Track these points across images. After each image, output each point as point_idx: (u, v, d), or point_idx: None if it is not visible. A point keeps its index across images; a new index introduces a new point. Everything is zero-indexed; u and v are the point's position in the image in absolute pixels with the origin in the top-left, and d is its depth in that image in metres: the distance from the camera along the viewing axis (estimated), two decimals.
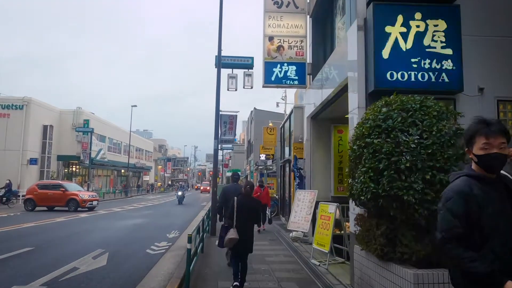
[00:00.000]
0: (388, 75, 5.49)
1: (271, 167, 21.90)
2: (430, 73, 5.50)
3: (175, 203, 28.84)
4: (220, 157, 55.73)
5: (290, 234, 10.51)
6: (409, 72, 5.50)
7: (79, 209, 18.87)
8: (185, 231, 12.08)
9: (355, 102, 5.98)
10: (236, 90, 12.99)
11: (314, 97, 9.95)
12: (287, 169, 14.05)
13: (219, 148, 12.24)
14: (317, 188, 10.04)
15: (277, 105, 20.24)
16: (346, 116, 10.60)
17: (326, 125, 10.35)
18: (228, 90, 12.97)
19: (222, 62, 12.51)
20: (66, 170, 36.86)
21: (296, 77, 10.71)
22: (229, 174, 55.36)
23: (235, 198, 5.55)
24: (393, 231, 3.97)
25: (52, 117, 33.18)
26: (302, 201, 9.89)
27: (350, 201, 5.25)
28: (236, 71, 12.93)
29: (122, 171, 48.72)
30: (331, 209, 7.26)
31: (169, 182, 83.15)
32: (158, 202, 30.08)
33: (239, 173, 48.89)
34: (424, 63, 5.51)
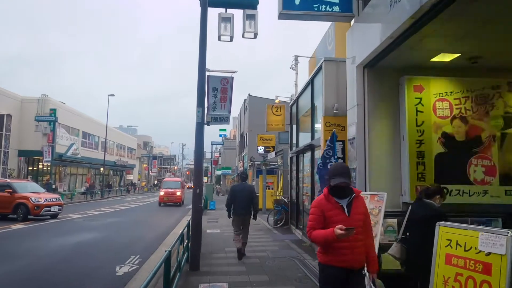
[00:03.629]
0: None
1: (274, 163, 17.51)
2: None
3: (155, 206, 24.22)
4: (208, 154, 50.99)
5: None
6: None
7: (29, 217, 13.90)
8: (151, 258, 7.60)
9: None
10: (231, 40, 8.58)
11: (370, 33, 5.60)
12: (305, 160, 9.64)
13: (205, 122, 7.78)
14: (377, 188, 5.68)
15: (292, 67, 15.53)
16: (432, 59, 6.27)
17: (390, 78, 5.98)
18: (219, 39, 8.57)
19: None
20: (30, 168, 31.88)
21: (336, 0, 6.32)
22: (219, 172, 50.64)
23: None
24: None
25: (10, 105, 28.14)
26: None
27: None
28: (232, 10, 8.53)
29: (101, 169, 43.88)
30: (486, 244, 2.83)
31: (155, 182, 78.07)
32: (135, 205, 25.41)
33: (230, 171, 44.37)
34: None
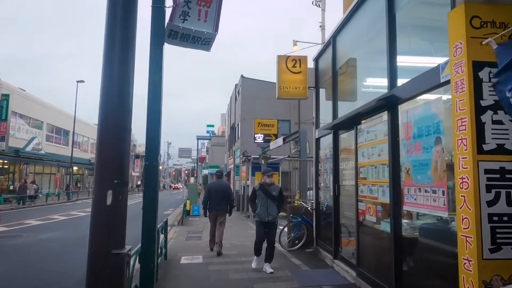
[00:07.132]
0: None
1: (277, 157, 13.05)
2: None
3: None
4: (194, 151, 46.22)
5: None
6: None
7: None
8: None
9: None
10: None
11: None
12: (368, 134, 5.17)
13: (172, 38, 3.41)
14: None
15: (316, 2, 10.97)
16: None
17: None
18: None
19: None
20: None
21: None
22: (206, 171, 45.97)
23: None
24: None
25: None
26: None
27: None
28: None
29: (75, 168, 38.72)
30: None
31: (138, 182, 72.68)
32: None
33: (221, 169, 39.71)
34: None
